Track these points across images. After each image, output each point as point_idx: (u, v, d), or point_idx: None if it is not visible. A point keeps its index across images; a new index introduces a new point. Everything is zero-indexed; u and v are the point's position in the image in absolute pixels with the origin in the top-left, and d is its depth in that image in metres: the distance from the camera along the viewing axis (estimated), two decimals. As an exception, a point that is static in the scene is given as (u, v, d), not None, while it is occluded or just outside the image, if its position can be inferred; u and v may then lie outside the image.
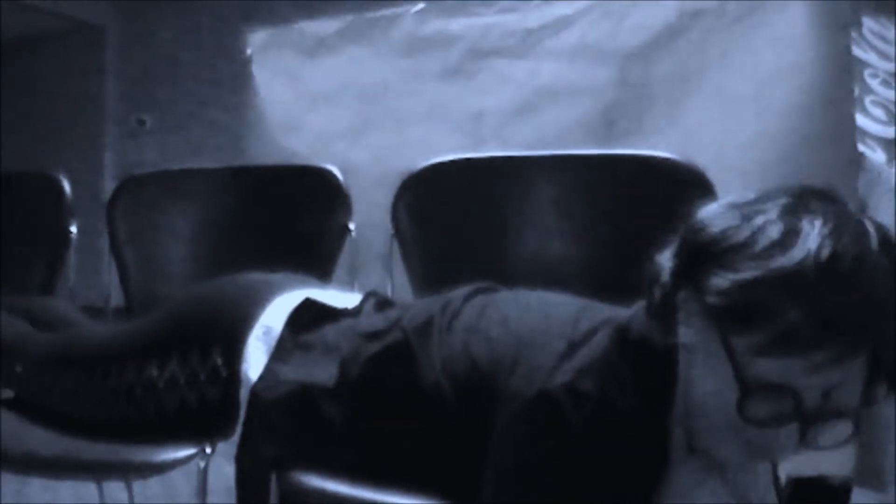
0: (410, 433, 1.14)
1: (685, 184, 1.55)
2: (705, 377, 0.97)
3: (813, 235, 0.89)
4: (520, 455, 1.00)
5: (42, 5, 5.37)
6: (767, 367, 0.90)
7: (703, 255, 0.95)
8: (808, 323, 0.87)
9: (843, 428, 0.92)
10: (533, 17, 2.57)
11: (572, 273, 1.66)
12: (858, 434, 0.93)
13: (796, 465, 1.02)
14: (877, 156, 2.94)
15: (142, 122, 5.78)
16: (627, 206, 1.65)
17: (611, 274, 1.58)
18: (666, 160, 1.61)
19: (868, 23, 2.63)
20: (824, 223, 0.90)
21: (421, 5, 2.76)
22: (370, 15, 2.86)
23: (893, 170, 2.42)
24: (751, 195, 0.98)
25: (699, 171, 1.55)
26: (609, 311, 1.13)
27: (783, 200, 0.95)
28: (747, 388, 0.90)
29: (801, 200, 0.94)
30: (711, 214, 0.98)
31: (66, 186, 2.04)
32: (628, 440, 0.99)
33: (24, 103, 5.88)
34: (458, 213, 1.78)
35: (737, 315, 0.91)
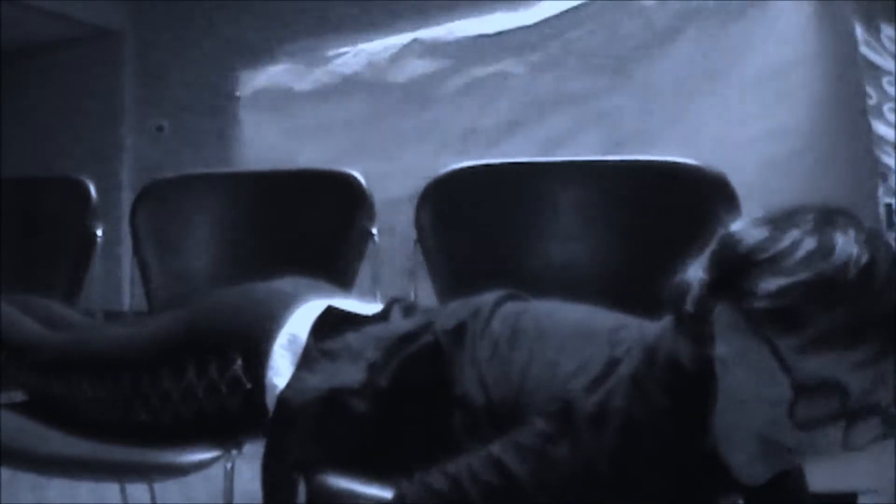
0: (439, 437, 1.14)
1: (708, 190, 1.56)
2: (747, 387, 0.97)
3: (850, 244, 0.94)
4: (538, 452, 1.01)
5: (62, 12, 5.40)
6: (815, 365, 0.92)
7: (742, 265, 0.98)
8: (851, 320, 0.91)
9: (875, 426, 0.95)
10: (534, 32, 2.57)
11: (594, 279, 1.66)
12: (887, 435, 0.95)
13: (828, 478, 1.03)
14: (893, 161, 2.93)
15: (160, 129, 5.80)
16: (649, 213, 1.65)
17: (633, 280, 1.58)
18: (688, 166, 1.61)
19: (886, 29, 2.63)
20: (856, 235, 0.96)
21: (415, 35, 2.77)
22: (363, 47, 2.87)
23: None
24: (775, 213, 1.02)
25: (722, 177, 1.56)
26: (640, 328, 1.13)
27: (811, 217, 0.99)
28: (800, 387, 0.92)
29: (828, 217, 0.99)
30: (743, 230, 1.01)
31: (93, 189, 2.06)
32: (652, 460, 1.00)
33: (42, 109, 5.91)
34: (480, 220, 1.79)
35: (783, 317, 0.93)
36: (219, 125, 5.27)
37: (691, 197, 1.58)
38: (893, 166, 2.54)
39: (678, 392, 1.03)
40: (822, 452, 0.96)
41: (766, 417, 0.96)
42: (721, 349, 1.00)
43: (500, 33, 2.63)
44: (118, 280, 3.22)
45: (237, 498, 1.41)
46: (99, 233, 2.04)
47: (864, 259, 0.93)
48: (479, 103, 2.62)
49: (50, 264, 2.02)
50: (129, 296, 2.14)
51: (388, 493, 1.10)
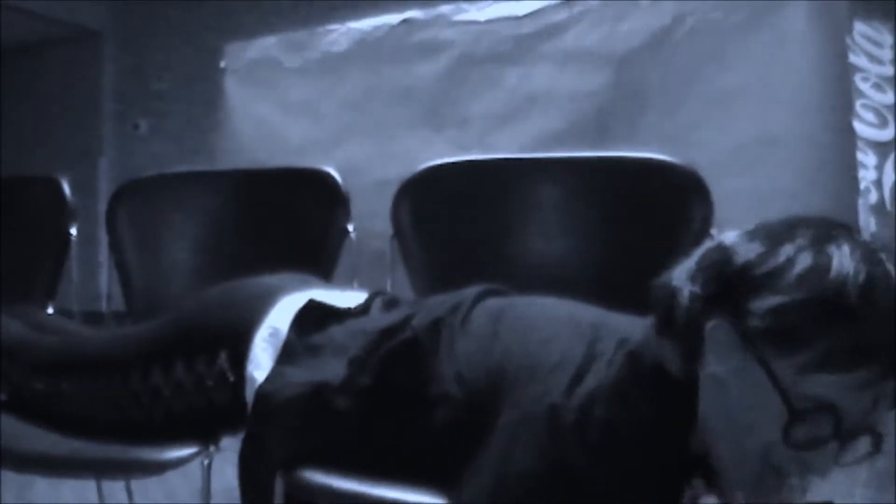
0: (418, 431, 1.14)
1: (681, 185, 1.57)
2: (742, 407, 0.97)
3: (846, 261, 0.92)
4: (521, 461, 1.01)
5: (41, 12, 5.37)
6: (813, 386, 0.91)
7: (737, 281, 0.96)
8: (851, 343, 0.90)
9: (866, 444, 0.95)
10: (527, 24, 2.57)
11: (573, 274, 1.67)
12: (875, 452, 0.95)
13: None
14: (868, 159, 2.96)
15: (136, 127, 5.78)
16: (625, 208, 1.66)
17: (611, 274, 1.60)
18: (663, 162, 1.62)
19: (860, 27, 2.65)
20: (853, 250, 0.94)
21: (409, 14, 2.75)
22: (353, 25, 2.85)
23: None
24: (770, 225, 1.00)
25: (695, 172, 1.57)
26: (622, 326, 1.12)
27: (808, 231, 0.97)
28: (795, 411, 0.91)
29: (825, 232, 0.97)
30: (736, 243, 0.99)
31: (67, 189, 2.05)
32: (634, 469, 0.99)
33: (20, 108, 5.88)
34: (458, 215, 1.79)
35: (781, 337, 0.93)
36: (200, 123, 5.27)
37: (666, 191, 1.59)
38: (868, 162, 2.56)
39: (662, 402, 1.02)
40: (815, 472, 0.95)
41: (760, 437, 0.95)
42: (715, 367, 0.98)
43: (491, 21, 2.62)
44: (95, 280, 3.20)
45: (218, 496, 1.40)
46: (73, 232, 2.03)
47: (862, 277, 0.91)
48: (471, 92, 2.61)
49: (25, 264, 2.00)
50: (107, 296, 2.13)
51: (366, 489, 1.11)
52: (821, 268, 0.92)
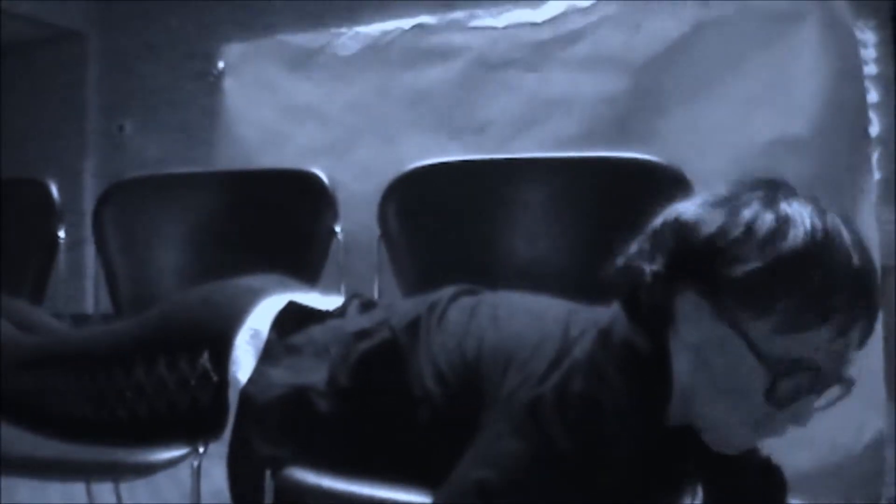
0: (401, 430, 1.15)
1: (666, 185, 1.58)
2: (722, 372, 1.00)
3: (804, 220, 0.96)
4: (505, 447, 1.02)
5: (24, 13, 5.35)
6: (787, 345, 0.95)
7: (703, 253, 0.98)
8: (818, 297, 0.94)
9: (840, 390, 0.99)
10: (545, 30, 2.56)
11: (557, 273, 1.68)
12: (844, 396, 0.99)
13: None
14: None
15: (121, 128, 5.76)
16: (610, 208, 1.68)
17: (594, 274, 1.60)
18: (649, 162, 1.64)
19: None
20: (803, 206, 0.98)
21: (421, 19, 2.74)
22: (362, 29, 2.83)
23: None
24: (719, 191, 1.03)
25: (679, 171, 1.59)
26: (594, 313, 1.15)
27: (758, 193, 1.00)
28: (776, 372, 0.95)
29: (772, 191, 1.00)
30: (695, 214, 1.01)
31: (55, 191, 2.04)
32: (616, 441, 1.01)
33: (4, 109, 5.85)
34: (445, 216, 1.80)
35: (752, 302, 0.95)
36: (186, 125, 5.26)
37: (651, 192, 1.60)
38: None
39: (635, 373, 1.04)
40: (796, 422, 0.99)
41: (742, 399, 0.99)
42: (689, 337, 1.01)
43: (507, 27, 2.62)
44: (82, 283, 3.19)
45: (206, 498, 1.40)
46: (62, 234, 2.03)
47: (820, 234, 0.95)
48: (488, 98, 2.59)
49: (13, 267, 2.00)
50: (94, 298, 2.13)
51: (354, 488, 1.12)
52: (781, 230, 0.95)
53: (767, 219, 0.96)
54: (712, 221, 0.99)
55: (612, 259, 1.08)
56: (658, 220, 1.05)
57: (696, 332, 1.01)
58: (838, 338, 0.95)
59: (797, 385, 0.96)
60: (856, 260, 0.96)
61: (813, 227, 0.95)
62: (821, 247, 0.95)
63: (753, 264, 0.95)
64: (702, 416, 1.04)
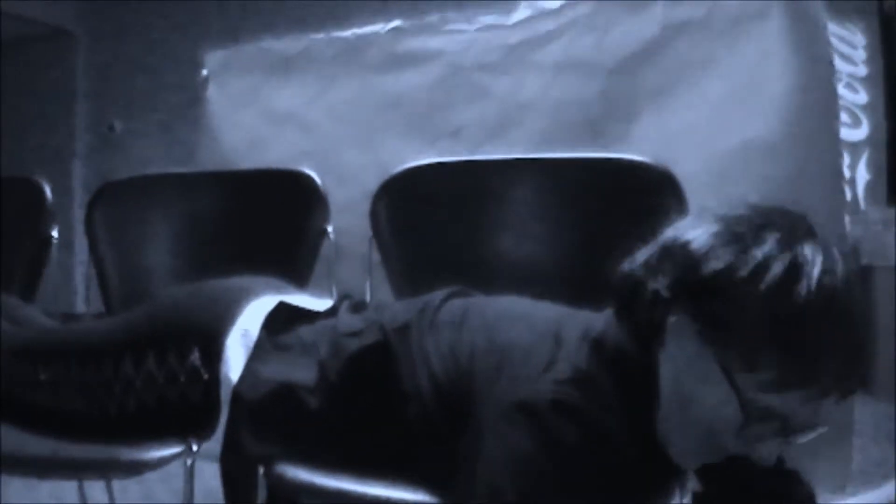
0: (390, 427, 1.16)
1: (655, 186, 1.59)
2: (696, 397, 1.00)
3: (812, 274, 0.94)
4: (507, 452, 1.02)
5: (12, 10, 5.33)
6: (770, 401, 0.95)
7: (705, 286, 0.98)
8: (807, 363, 0.94)
9: (808, 436, 0.99)
10: (516, 33, 2.57)
11: (546, 274, 1.69)
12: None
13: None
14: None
15: (111, 128, 5.75)
16: (599, 208, 1.68)
17: (584, 275, 1.61)
18: (635, 163, 1.64)
19: (833, 28, 2.68)
20: (816, 259, 0.96)
21: (396, 23, 2.75)
22: (339, 34, 2.84)
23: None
24: (737, 216, 1.02)
25: (668, 172, 1.59)
26: (585, 318, 1.15)
27: (774, 232, 0.98)
28: (749, 415, 0.96)
29: (793, 232, 0.98)
30: (706, 245, 1.00)
31: (48, 190, 2.04)
32: (611, 449, 1.02)
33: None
34: (435, 216, 1.81)
35: (740, 351, 0.96)
36: (175, 125, 5.25)
37: (639, 191, 1.61)
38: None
39: (626, 384, 1.05)
40: (760, 461, 0.99)
41: (709, 431, 1.00)
42: (674, 358, 1.02)
43: (479, 30, 2.62)
44: (72, 283, 3.20)
45: (199, 497, 1.41)
46: (54, 234, 2.03)
47: (826, 290, 0.94)
48: (462, 102, 2.60)
49: (4, 267, 1.99)
50: (85, 298, 2.13)
51: (346, 485, 1.13)
52: (787, 282, 0.94)
53: (777, 266, 0.95)
54: (721, 257, 0.98)
55: (618, 261, 1.08)
56: (670, 234, 1.05)
57: (681, 356, 1.01)
58: (820, 398, 0.96)
59: (767, 430, 0.97)
60: (854, 326, 0.96)
61: (819, 285, 0.94)
62: (821, 311, 0.93)
63: (750, 315, 0.94)
64: (663, 433, 1.05)
